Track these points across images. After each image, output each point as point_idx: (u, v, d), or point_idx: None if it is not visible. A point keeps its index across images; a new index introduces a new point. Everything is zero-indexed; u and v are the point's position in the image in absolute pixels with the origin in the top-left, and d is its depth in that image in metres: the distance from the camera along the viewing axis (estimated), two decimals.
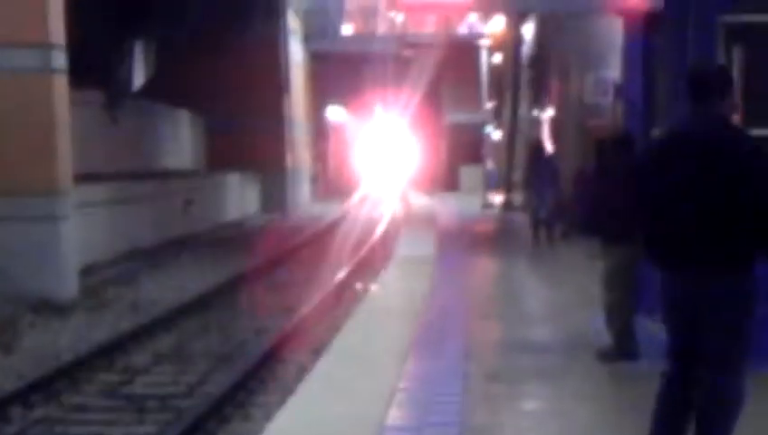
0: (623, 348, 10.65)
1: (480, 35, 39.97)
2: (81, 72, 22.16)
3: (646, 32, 11.69)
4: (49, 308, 18.47)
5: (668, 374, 6.80)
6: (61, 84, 20.35)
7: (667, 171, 6.61)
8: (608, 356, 10.66)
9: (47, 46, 19.86)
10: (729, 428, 6.55)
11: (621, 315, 10.71)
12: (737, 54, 10.22)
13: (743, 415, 6.54)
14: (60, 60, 20.26)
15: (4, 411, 11.67)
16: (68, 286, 19.88)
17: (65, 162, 20.47)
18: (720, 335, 6.55)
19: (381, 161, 55.17)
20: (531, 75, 30.93)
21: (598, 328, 11.11)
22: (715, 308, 6.52)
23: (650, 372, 9.78)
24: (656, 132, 11.01)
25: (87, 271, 21.60)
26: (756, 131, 8.27)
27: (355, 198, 49.47)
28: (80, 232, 21.08)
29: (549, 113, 28.71)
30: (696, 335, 6.62)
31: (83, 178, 22.33)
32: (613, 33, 17.91)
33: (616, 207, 10.37)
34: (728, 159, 6.45)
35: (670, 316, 6.83)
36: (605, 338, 10.83)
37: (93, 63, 26.79)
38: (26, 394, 12.34)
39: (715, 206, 6.40)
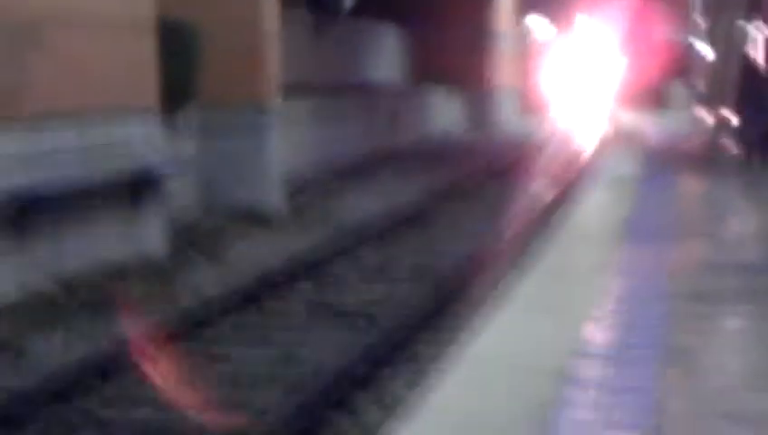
0: None
1: None
2: None
3: None
4: (255, 219, 18.92)
5: None
6: (269, 1, 20.56)
7: None
8: None
9: None
10: None
11: None
12: None
13: None
14: None
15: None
16: (274, 198, 20.31)
17: (273, 77, 20.72)
18: None
19: (589, 76, 54.40)
20: None
21: None
22: None
23: None
24: None
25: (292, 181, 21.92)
26: None
27: (559, 114, 49.06)
28: (286, 143, 21.39)
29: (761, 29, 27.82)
30: None
31: (291, 90, 22.51)
32: None
33: None
34: None
35: None
36: None
37: None
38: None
39: None
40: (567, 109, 50.83)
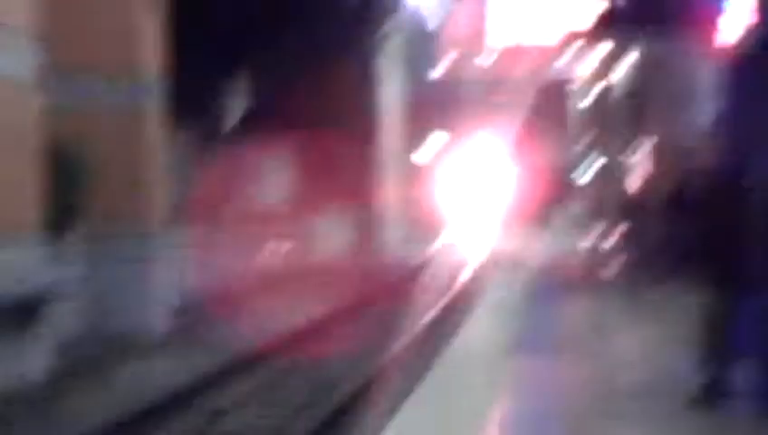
0: (721, 390, 10.44)
1: (570, 77, 39.88)
2: (178, 112, 22.36)
3: (740, 67, 11.55)
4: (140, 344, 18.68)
5: None
6: (157, 125, 20.68)
7: None
8: (704, 398, 10.45)
9: (144, 81, 20.31)
10: None
11: (722, 357, 10.52)
12: None
13: None
14: (155, 92, 20.60)
15: None
16: (160, 323, 20.10)
17: (160, 202, 20.81)
18: None
19: (475, 199, 55.23)
20: (625, 114, 30.72)
21: (692, 368, 10.92)
22: None
23: (745, 411, 9.66)
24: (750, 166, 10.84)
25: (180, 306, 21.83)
26: None
27: (447, 237, 49.52)
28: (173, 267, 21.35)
29: (643, 152, 28.48)
30: None
31: (178, 216, 22.48)
32: (705, 73, 17.85)
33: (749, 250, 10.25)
34: None
35: None
36: (700, 379, 10.63)
37: (190, 104, 27.02)
38: None
39: None
40: (455, 229, 51.34)
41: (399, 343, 18.58)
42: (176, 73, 21.51)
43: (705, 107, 20.67)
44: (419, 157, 56.85)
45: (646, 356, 13.46)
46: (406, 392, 12.13)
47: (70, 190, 17.68)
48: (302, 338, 20.02)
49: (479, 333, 16.75)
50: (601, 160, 32.33)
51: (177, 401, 14.21)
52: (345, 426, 13.19)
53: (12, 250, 15.03)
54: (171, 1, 21.01)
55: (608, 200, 28.44)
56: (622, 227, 24.44)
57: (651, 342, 14.43)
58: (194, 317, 22.37)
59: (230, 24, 29.93)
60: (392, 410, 11.32)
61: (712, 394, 10.36)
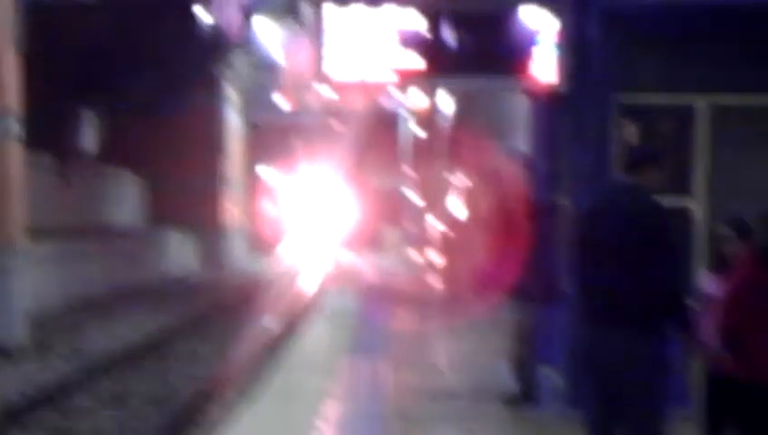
0: (528, 394, 10.70)
1: (400, 110, 40.13)
2: (35, 138, 22.10)
3: (550, 109, 11.82)
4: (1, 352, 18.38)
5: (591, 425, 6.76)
6: (15, 150, 20.33)
7: (592, 233, 6.69)
8: (513, 401, 10.69)
9: (3, 115, 19.91)
10: None
11: (528, 364, 10.77)
12: (628, 129, 10.37)
13: None
14: (14, 126, 20.24)
15: None
16: (18, 332, 19.78)
17: (19, 220, 20.43)
18: (635, 392, 6.52)
19: (312, 221, 55.15)
20: (446, 145, 31.09)
21: (503, 375, 11.15)
22: (622, 364, 6.52)
23: (556, 418, 9.94)
24: (559, 199, 11.11)
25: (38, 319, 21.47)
26: None
27: (286, 255, 49.43)
28: (31, 282, 21.00)
29: (463, 180, 28.84)
30: (611, 391, 6.61)
31: (37, 232, 22.18)
32: (521, 109, 18.10)
33: (543, 268, 10.50)
34: (643, 227, 6.52)
35: (587, 370, 6.80)
36: (510, 385, 10.87)
37: (47, 130, 26.66)
38: None
39: (632, 266, 6.44)
40: (294, 248, 51.26)
41: (241, 353, 18.59)
42: (33, 104, 21.29)
43: (520, 138, 21.09)
44: (262, 180, 56.73)
45: (463, 363, 13.67)
46: (242, 402, 12.21)
47: None
48: (149, 346, 19.92)
49: (316, 339, 16.88)
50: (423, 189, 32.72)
51: (34, 405, 14.07)
52: (193, 419, 13.21)
53: None
54: (26, 38, 20.77)
55: (431, 225, 28.83)
56: (443, 250, 24.79)
57: (469, 351, 14.65)
58: (50, 327, 22.08)
59: (86, 58, 29.60)
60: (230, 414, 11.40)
61: (521, 397, 10.66)
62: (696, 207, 9.99)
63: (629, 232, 6.50)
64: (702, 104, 10.27)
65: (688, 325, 6.59)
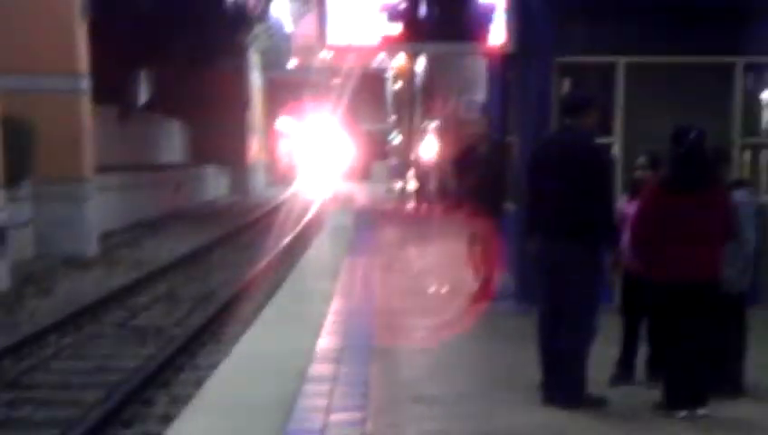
0: (490, 290, 10.64)
1: (386, 69, 39.92)
2: (100, 93, 22.02)
3: (502, 67, 11.76)
4: (77, 262, 18.42)
5: (541, 314, 6.78)
6: (85, 102, 20.30)
7: (541, 165, 6.69)
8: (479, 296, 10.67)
9: (76, 75, 19.84)
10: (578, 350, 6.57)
11: (489, 268, 10.70)
12: (566, 85, 10.35)
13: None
14: (85, 84, 20.20)
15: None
16: (91, 247, 19.91)
17: (90, 158, 20.48)
18: (574, 295, 6.52)
19: (317, 157, 55.01)
20: (422, 97, 30.99)
21: (465, 277, 11.13)
22: (567, 270, 6.51)
23: (509, 310, 9.98)
24: (514, 140, 11.08)
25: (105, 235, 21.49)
26: None
27: (297, 184, 49.47)
28: (100, 207, 21.05)
29: (434, 125, 28.78)
30: (556, 291, 6.60)
31: (103, 169, 22.17)
32: (480, 68, 18.02)
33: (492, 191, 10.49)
34: (577, 164, 6.50)
35: (538, 274, 6.81)
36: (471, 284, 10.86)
37: (110, 87, 26.49)
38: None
39: (570, 192, 6.44)
40: (303, 179, 51.24)
41: (268, 255, 18.65)
42: (98, 66, 21.21)
43: (480, 92, 21.03)
44: (278, 125, 56.52)
45: (437, 268, 13.64)
46: (279, 281, 12.26)
47: (20, 154, 17.32)
48: (192, 256, 19.96)
49: (326, 244, 16.95)
50: (404, 132, 32.62)
51: (105, 301, 14.15)
52: (229, 312, 13.28)
53: None
54: (91, 10, 20.61)
55: (410, 160, 28.80)
56: (420, 185, 24.78)
57: (439, 257, 14.60)
58: (114, 243, 22.12)
59: (139, 26, 29.31)
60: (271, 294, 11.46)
61: (484, 293, 10.63)
62: (616, 144, 10.00)
63: (571, 164, 6.50)
64: (621, 62, 10.24)
65: (613, 237, 6.64)
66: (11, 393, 9.37)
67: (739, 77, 10.24)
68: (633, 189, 7.27)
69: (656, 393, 6.48)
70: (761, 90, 10.74)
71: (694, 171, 6.39)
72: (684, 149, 6.40)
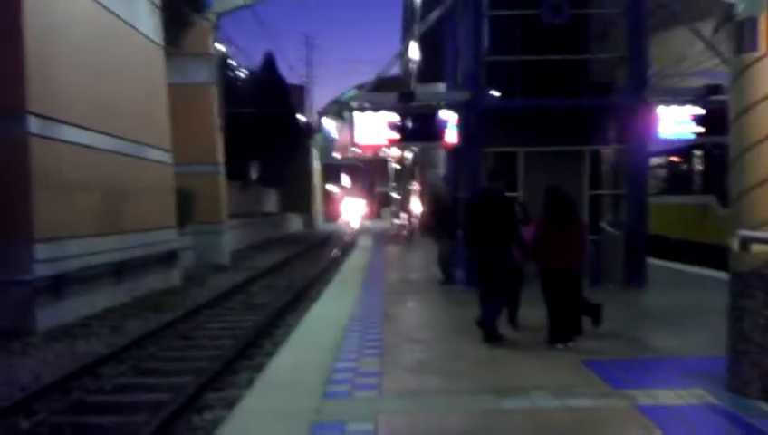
0: (449, 280, 10.63)
1: (389, 156, 39.94)
2: (230, 174, 21.98)
3: (454, 152, 11.72)
4: (218, 269, 18.32)
5: (480, 292, 6.74)
6: (222, 179, 20.23)
7: (475, 207, 6.66)
8: (442, 283, 10.65)
9: (217, 164, 19.80)
10: (499, 309, 6.52)
11: (447, 268, 10.66)
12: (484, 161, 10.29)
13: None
14: (222, 169, 20.15)
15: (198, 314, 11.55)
16: (226, 260, 19.76)
17: (225, 210, 20.40)
18: (497, 279, 6.44)
19: (351, 206, 54.85)
20: (410, 171, 30.98)
21: (436, 271, 11.06)
22: (494, 266, 6.43)
23: (461, 290, 9.89)
24: (461, 193, 11.01)
25: (233, 253, 21.39)
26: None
27: (341, 222, 49.30)
28: (230, 237, 20.95)
29: (416, 186, 28.72)
30: (487, 279, 6.52)
31: (232, 216, 22.12)
32: (442, 155, 17.92)
33: (448, 223, 10.40)
34: (497, 207, 6.48)
35: (476, 270, 6.73)
36: (440, 276, 10.79)
37: (236, 170, 26.59)
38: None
39: (493, 222, 6.40)
40: (344, 220, 51.09)
41: (325, 261, 18.52)
42: (229, 158, 21.21)
43: (442, 168, 21.02)
44: (330, 192, 56.47)
45: (419, 267, 13.61)
46: (330, 278, 12.16)
47: (186, 208, 17.34)
48: (282, 263, 19.85)
49: (357, 255, 16.82)
50: (400, 191, 32.47)
51: (234, 289, 14.07)
52: (304, 294, 13.17)
53: (165, 232, 14.70)
54: (224, 130, 20.68)
55: (402, 211, 28.66)
56: (409, 221, 24.57)
57: (420, 260, 14.55)
58: (238, 257, 22.03)
59: (251, 139, 29.46)
60: (327, 284, 11.36)
61: (446, 282, 10.57)
62: (520, 195, 9.95)
63: (493, 207, 6.49)
64: (521, 152, 10.21)
65: (520, 246, 6.59)
66: (184, 342, 9.31)
67: (586, 157, 10.24)
68: (525, 222, 7.20)
69: (543, 334, 6.40)
70: (599, 163, 10.73)
71: (563, 210, 6.38)
72: (557, 198, 6.39)
